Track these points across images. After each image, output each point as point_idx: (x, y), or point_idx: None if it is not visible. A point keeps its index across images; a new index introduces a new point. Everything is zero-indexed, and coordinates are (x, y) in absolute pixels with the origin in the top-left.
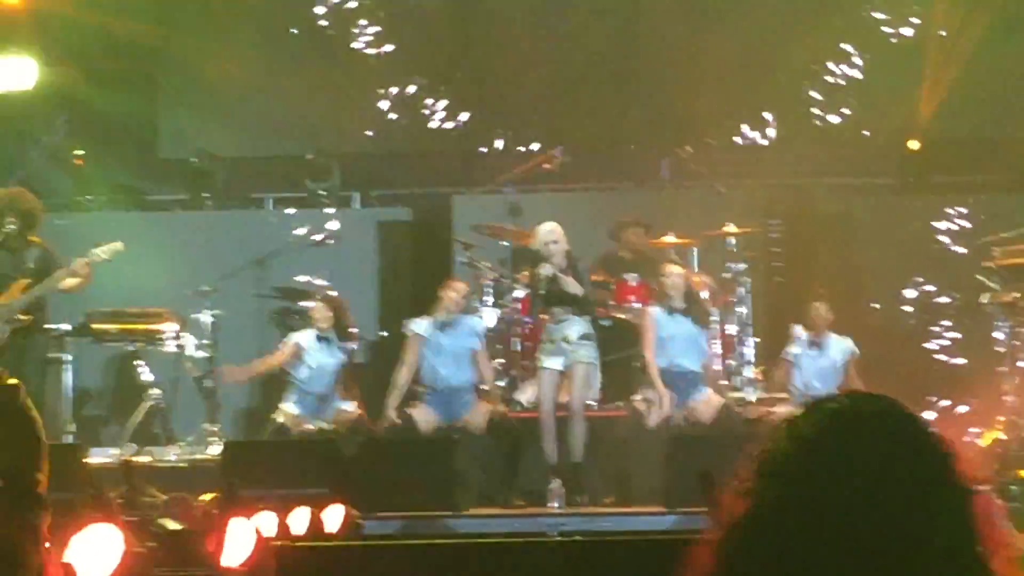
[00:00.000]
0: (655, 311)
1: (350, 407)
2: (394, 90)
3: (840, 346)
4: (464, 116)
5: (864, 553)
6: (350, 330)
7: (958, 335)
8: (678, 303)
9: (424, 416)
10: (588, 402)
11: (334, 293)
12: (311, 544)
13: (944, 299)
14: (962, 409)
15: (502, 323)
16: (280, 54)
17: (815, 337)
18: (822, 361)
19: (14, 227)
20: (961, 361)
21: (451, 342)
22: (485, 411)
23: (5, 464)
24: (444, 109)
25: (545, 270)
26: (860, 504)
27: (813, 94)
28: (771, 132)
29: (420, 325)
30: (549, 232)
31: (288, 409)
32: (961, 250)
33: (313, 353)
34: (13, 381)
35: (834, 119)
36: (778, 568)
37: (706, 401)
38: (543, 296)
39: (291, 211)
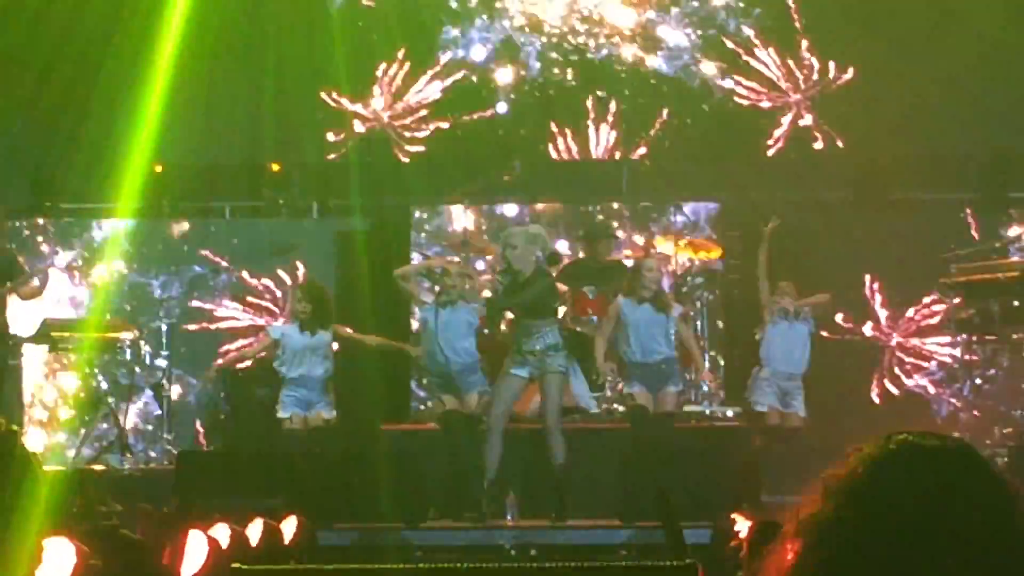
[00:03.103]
0: (621, 302)
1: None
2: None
3: (807, 318)
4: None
5: None
6: (328, 321)
7: (913, 350)
8: (648, 295)
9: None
10: (588, 407)
11: (315, 282)
12: (266, 568)
13: (901, 314)
14: (918, 423)
15: None
16: (240, 63)
17: (787, 310)
18: (797, 327)
19: None
20: (917, 375)
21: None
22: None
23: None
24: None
25: (498, 281)
26: (927, 535)
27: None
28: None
29: None
30: (504, 236)
31: (280, 412)
32: (918, 266)
33: (293, 342)
34: (14, 428)
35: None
36: None
37: (677, 392)
38: (503, 303)
39: (249, 220)
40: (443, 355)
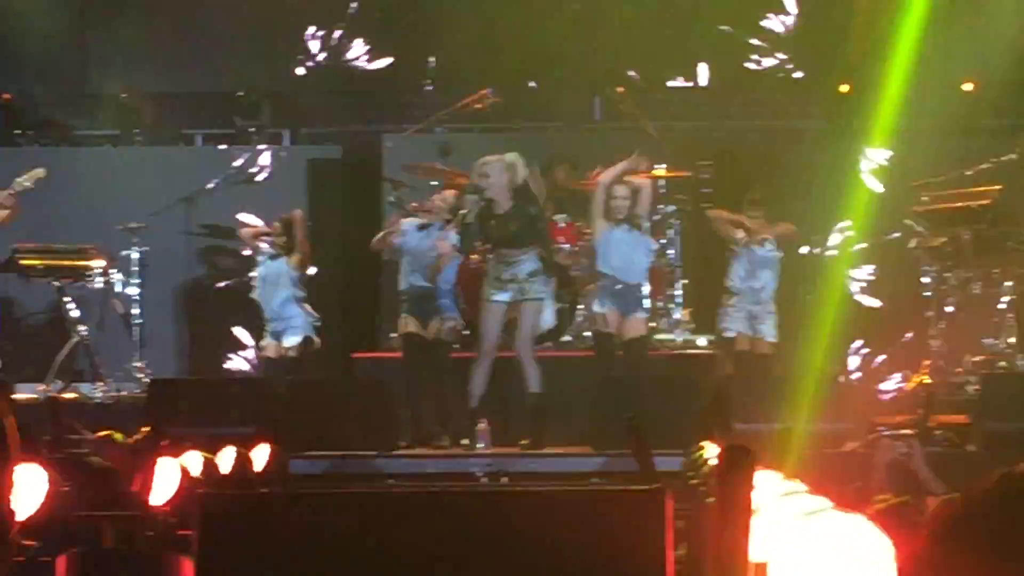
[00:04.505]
0: (598, 224)
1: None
2: (323, 31)
3: (772, 243)
4: (389, 60)
5: None
6: (302, 249)
7: (886, 279)
8: (620, 217)
9: None
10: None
11: (294, 212)
12: (236, 493)
13: (873, 243)
14: (889, 352)
15: None
16: None
17: (753, 236)
18: (763, 253)
19: None
20: (890, 304)
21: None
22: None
23: None
24: (374, 46)
25: (466, 206)
26: None
27: (750, 40)
28: (703, 75)
29: None
30: (478, 165)
31: (270, 345)
32: (890, 195)
33: (264, 272)
34: None
35: (769, 62)
36: None
37: (646, 317)
38: (478, 231)
39: (222, 147)
40: (417, 276)
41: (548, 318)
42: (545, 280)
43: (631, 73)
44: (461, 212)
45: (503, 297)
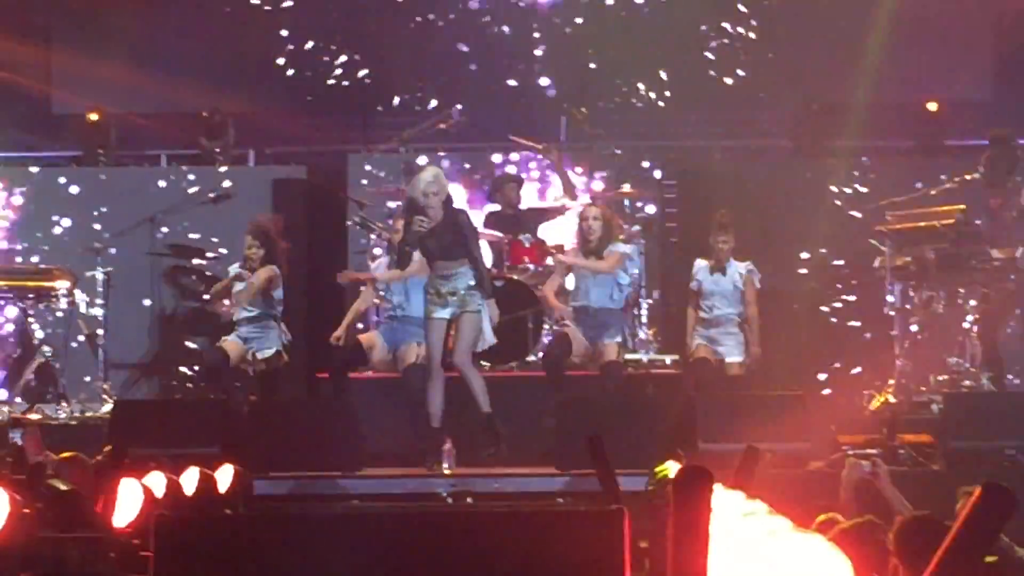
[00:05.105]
0: (569, 253)
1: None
2: (291, 47)
3: (739, 269)
4: (361, 74)
5: None
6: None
7: (851, 298)
8: (592, 239)
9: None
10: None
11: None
12: (190, 515)
13: (838, 262)
14: (854, 372)
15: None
16: (176, 8)
17: (716, 264)
18: (724, 284)
19: None
20: (855, 324)
21: None
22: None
23: None
24: (341, 67)
25: (422, 224)
26: None
27: (708, 55)
28: (667, 93)
29: None
30: (430, 182)
31: (229, 340)
32: (855, 214)
33: (242, 283)
34: None
35: (729, 81)
36: None
37: (616, 343)
38: (420, 250)
39: (186, 168)
40: (399, 301)
41: (488, 336)
42: (480, 294)
43: (595, 92)
44: (415, 231)
45: (444, 314)
